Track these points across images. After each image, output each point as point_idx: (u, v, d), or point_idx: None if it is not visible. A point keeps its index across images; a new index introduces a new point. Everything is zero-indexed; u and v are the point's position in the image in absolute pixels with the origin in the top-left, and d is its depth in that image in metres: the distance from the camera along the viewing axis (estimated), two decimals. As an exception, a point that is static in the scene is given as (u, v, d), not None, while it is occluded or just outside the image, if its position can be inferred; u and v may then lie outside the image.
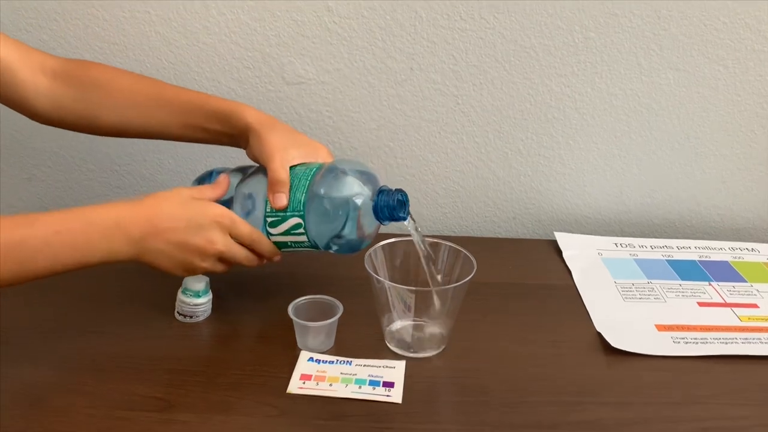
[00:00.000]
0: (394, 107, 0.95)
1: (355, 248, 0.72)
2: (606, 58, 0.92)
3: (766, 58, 0.92)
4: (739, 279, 0.88)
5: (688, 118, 0.96)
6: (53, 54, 0.79)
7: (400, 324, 0.73)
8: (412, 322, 0.72)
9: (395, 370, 0.68)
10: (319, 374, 0.67)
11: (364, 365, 0.69)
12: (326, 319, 0.70)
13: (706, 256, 0.93)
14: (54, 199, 1.01)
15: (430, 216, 1.02)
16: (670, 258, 0.92)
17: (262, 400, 0.64)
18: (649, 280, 0.87)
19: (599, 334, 0.75)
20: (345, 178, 0.70)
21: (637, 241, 0.96)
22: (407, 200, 0.71)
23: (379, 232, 0.73)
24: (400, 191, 0.70)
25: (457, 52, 0.92)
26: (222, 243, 0.68)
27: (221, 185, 0.73)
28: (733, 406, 0.66)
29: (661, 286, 0.85)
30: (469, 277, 0.69)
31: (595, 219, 1.02)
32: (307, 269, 0.84)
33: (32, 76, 0.75)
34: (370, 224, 0.71)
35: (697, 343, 0.74)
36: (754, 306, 0.82)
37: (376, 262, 0.72)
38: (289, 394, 0.65)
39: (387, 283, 0.69)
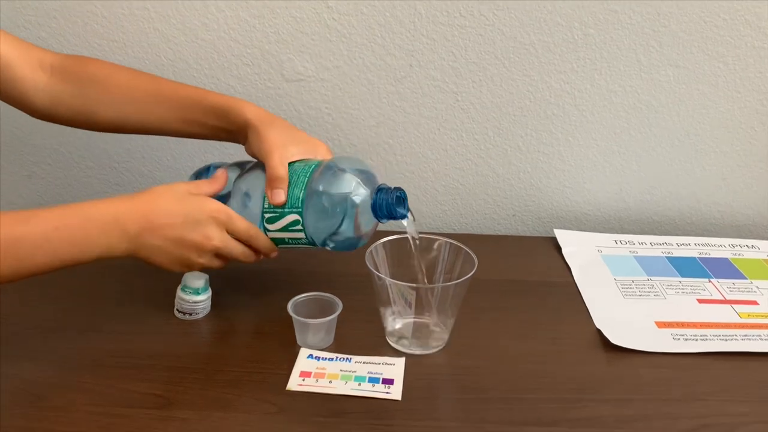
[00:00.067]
0: (394, 104, 0.95)
1: (353, 246, 0.71)
2: (605, 55, 0.92)
3: (766, 54, 0.92)
4: (739, 276, 0.88)
5: (688, 114, 0.96)
6: (52, 51, 0.79)
7: (401, 321, 0.73)
8: (413, 319, 0.72)
9: (395, 367, 0.68)
10: (319, 371, 0.67)
11: (364, 362, 0.69)
12: (326, 316, 0.70)
13: (706, 253, 0.93)
14: (53, 196, 1.01)
15: (429, 213, 1.02)
16: (669, 255, 0.92)
17: (261, 397, 0.64)
18: (648, 277, 0.86)
19: (599, 331, 0.75)
20: (344, 176, 0.69)
21: (636, 238, 0.96)
22: (406, 199, 0.71)
23: (380, 229, 0.73)
24: (398, 190, 0.70)
25: (456, 49, 0.92)
26: (219, 239, 0.68)
27: (219, 180, 0.73)
28: (733, 403, 0.66)
29: (660, 283, 0.85)
30: (470, 274, 0.69)
31: (594, 216, 1.02)
32: (307, 266, 0.84)
33: (31, 73, 0.75)
34: (368, 222, 0.70)
35: (696, 340, 0.74)
36: (754, 303, 0.82)
37: (377, 258, 0.72)
38: (289, 391, 0.65)
39: (388, 279, 0.69)
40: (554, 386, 0.67)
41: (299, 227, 0.70)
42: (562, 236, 0.96)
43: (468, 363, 0.70)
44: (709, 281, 0.86)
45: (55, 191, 1.01)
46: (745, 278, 0.87)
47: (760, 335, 0.75)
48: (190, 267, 0.69)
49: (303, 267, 0.84)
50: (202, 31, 0.92)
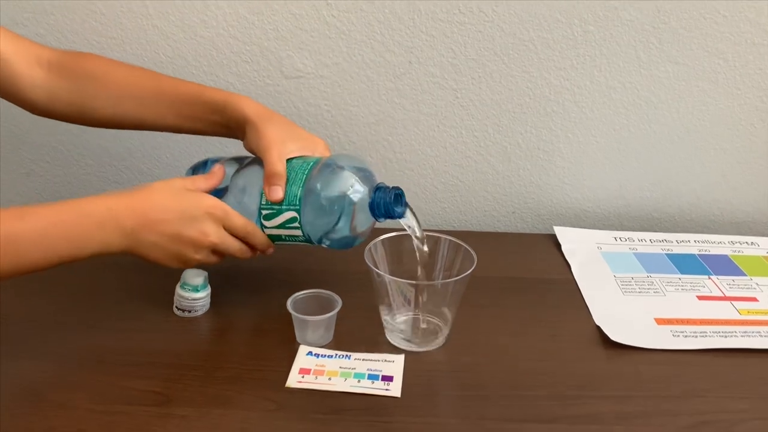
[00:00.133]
0: (393, 101, 0.95)
1: (350, 244, 0.71)
2: (605, 52, 0.92)
3: (766, 51, 0.92)
4: (739, 273, 0.88)
5: (688, 111, 0.95)
6: (49, 47, 0.79)
7: (400, 318, 0.72)
8: (412, 316, 0.72)
9: (394, 364, 0.68)
10: (318, 368, 0.67)
11: (363, 359, 0.69)
12: (325, 313, 0.70)
13: (705, 250, 0.93)
14: (52, 194, 1.01)
15: (429, 210, 1.02)
16: (669, 252, 0.92)
17: (260, 394, 0.64)
18: (648, 274, 0.86)
19: (599, 328, 0.75)
20: (342, 174, 0.69)
21: (636, 235, 0.96)
22: (404, 198, 0.71)
23: (380, 227, 0.73)
24: (396, 189, 0.70)
25: (455, 46, 0.92)
26: (215, 235, 0.68)
27: (216, 175, 0.72)
28: (733, 400, 0.66)
29: (660, 280, 0.85)
30: (469, 271, 0.69)
31: (594, 213, 1.02)
32: (307, 264, 0.84)
33: (28, 69, 0.75)
34: (365, 221, 0.70)
35: (696, 336, 0.74)
36: (754, 300, 0.82)
37: (376, 256, 0.72)
38: (288, 388, 0.65)
39: (387, 277, 0.69)
40: (554, 383, 0.67)
41: (296, 224, 0.70)
42: (562, 233, 0.96)
43: (467, 360, 0.70)
44: (709, 278, 0.86)
45: (53, 189, 1.01)
46: (744, 275, 0.87)
47: (759, 332, 0.75)
48: (187, 263, 0.69)
49: (302, 264, 0.84)
50: (200, 28, 0.91)
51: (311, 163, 0.71)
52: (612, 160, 0.99)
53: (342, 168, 0.70)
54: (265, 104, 0.75)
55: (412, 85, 0.94)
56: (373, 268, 0.69)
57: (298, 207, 0.69)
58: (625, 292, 0.83)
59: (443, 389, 0.67)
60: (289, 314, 0.70)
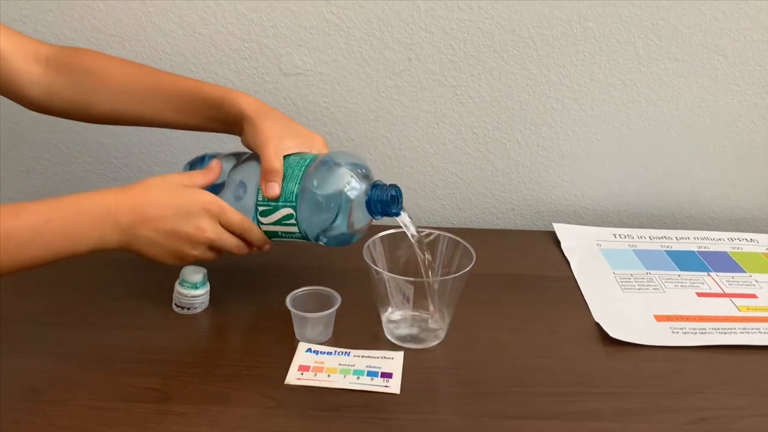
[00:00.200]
0: (392, 98, 0.95)
1: (346, 242, 0.71)
2: (605, 49, 0.92)
3: (766, 48, 0.92)
4: (738, 269, 0.88)
5: (687, 108, 0.95)
6: (47, 43, 0.79)
7: (399, 315, 0.72)
8: (411, 313, 0.72)
9: (393, 361, 0.68)
10: (317, 365, 0.67)
11: (363, 356, 0.69)
12: (324, 311, 0.70)
13: (704, 247, 0.93)
14: (52, 191, 1.01)
15: (428, 207, 1.02)
16: (668, 248, 0.92)
17: (259, 391, 0.64)
18: (647, 271, 0.86)
19: (598, 325, 0.75)
20: (339, 171, 0.69)
21: (635, 232, 0.96)
22: (401, 196, 0.71)
23: (378, 224, 0.73)
24: (394, 187, 0.70)
25: (455, 42, 0.92)
26: (211, 231, 0.68)
27: (213, 171, 0.72)
28: (732, 396, 0.66)
29: (659, 277, 0.85)
30: (468, 268, 0.69)
31: (593, 210, 1.02)
32: (306, 261, 0.84)
33: (25, 65, 0.75)
34: (362, 218, 0.70)
35: (695, 333, 0.74)
36: (753, 296, 0.82)
37: (374, 253, 0.72)
38: (287, 385, 0.65)
39: (386, 274, 0.69)
40: (553, 380, 0.67)
41: (293, 221, 0.70)
42: (561, 230, 0.96)
43: (466, 357, 0.70)
44: (708, 275, 0.86)
45: (53, 187, 1.01)
46: (744, 272, 0.87)
47: (759, 328, 0.75)
48: (183, 259, 0.69)
49: (301, 261, 0.84)
50: (199, 25, 0.91)
51: (308, 160, 0.71)
52: (611, 157, 0.98)
53: (339, 165, 0.70)
54: (264, 101, 0.75)
55: (411, 82, 0.94)
56: (372, 265, 0.69)
57: (294, 204, 0.69)
58: (625, 288, 0.83)
59: (442, 386, 0.67)
60: (288, 311, 0.70)
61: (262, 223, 0.71)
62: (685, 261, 0.89)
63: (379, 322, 0.73)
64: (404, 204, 0.72)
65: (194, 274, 0.74)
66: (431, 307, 0.71)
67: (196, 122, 0.76)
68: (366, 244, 0.71)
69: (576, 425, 0.61)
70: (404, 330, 0.72)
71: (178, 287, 0.75)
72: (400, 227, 0.73)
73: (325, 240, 0.71)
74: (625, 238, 0.95)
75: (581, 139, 0.97)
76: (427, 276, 0.72)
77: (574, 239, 0.93)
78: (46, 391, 0.63)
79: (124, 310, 0.75)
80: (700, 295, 0.82)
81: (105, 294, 0.78)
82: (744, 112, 0.96)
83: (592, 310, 0.78)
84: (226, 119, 0.74)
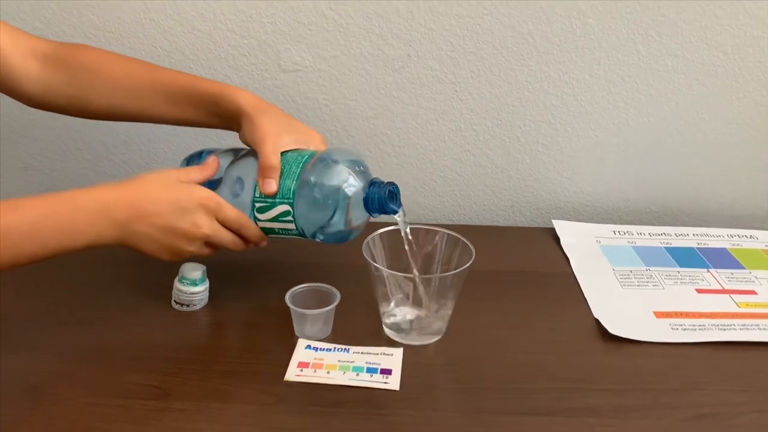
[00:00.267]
0: (392, 95, 0.95)
1: (343, 239, 0.71)
2: (604, 45, 0.92)
3: (766, 44, 0.92)
4: (738, 266, 0.88)
5: (687, 105, 0.95)
6: (45, 39, 0.79)
7: (398, 311, 0.72)
8: (410, 310, 0.72)
9: (393, 358, 0.68)
10: (317, 362, 0.67)
11: (362, 353, 0.69)
12: (324, 307, 0.70)
13: (704, 243, 0.93)
14: (51, 188, 1.00)
15: (427, 204, 1.02)
16: (668, 245, 0.92)
17: (259, 388, 0.64)
18: (647, 267, 0.86)
19: (597, 321, 0.75)
20: (337, 168, 0.69)
21: (635, 229, 0.96)
22: (398, 193, 0.70)
23: (378, 220, 0.73)
24: (391, 184, 0.70)
25: (454, 39, 0.92)
26: (208, 227, 0.67)
27: (209, 167, 0.72)
28: (732, 392, 0.66)
29: (659, 273, 0.85)
30: (468, 264, 0.69)
31: (593, 207, 1.02)
32: (305, 257, 0.84)
33: (23, 61, 0.75)
34: (359, 216, 0.70)
35: (695, 329, 0.74)
36: (753, 293, 0.82)
37: (374, 250, 0.72)
38: (287, 381, 0.65)
39: (385, 271, 0.69)
40: (552, 376, 0.67)
41: (290, 218, 0.70)
42: (561, 227, 0.96)
43: (466, 353, 0.70)
44: (708, 271, 0.86)
45: (51, 184, 1.01)
46: (743, 268, 0.87)
47: (758, 325, 0.75)
48: (180, 255, 0.68)
49: (301, 258, 0.83)
50: (198, 22, 0.91)
51: (306, 157, 0.71)
52: (611, 154, 0.98)
53: (337, 162, 0.69)
54: (263, 98, 0.75)
55: (410, 79, 0.94)
56: (372, 262, 0.69)
57: (291, 200, 0.69)
58: (624, 285, 0.83)
59: (441, 382, 0.67)
60: (288, 308, 0.70)
61: (259, 220, 0.71)
62: (685, 257, 0.89)
63: (379, 318, 0.73)
64: (403, 203, 0.71)
65: (193, 271, 0.74)
66: (431, 304, 0.71)
67: (194, 118, 0.76)
68: (365, 241, 0.71)
69: (575, 421, 0.61)
70: (404, 326, 0.72)
71: (177, 284, 0.75)
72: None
73: (322, 237, 0.71)
74: (624, 235, 0.95)
75: (581, 136, 0.97)
76: (417, 270, 0.71)
77: (573, 236, 0.93)
78: (46, 389, 0.63)
79: (124, 308, 0.75)
80: (699, 291, 0.82)
81: (104, 291, 0.78)
82: (744, 108, 0.95)
83: (591, 307, 0.78)
84: (224, 115, 0.74)
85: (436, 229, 0.74)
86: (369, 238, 0.72)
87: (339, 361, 0.67)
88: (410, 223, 0.72)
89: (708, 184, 1.00)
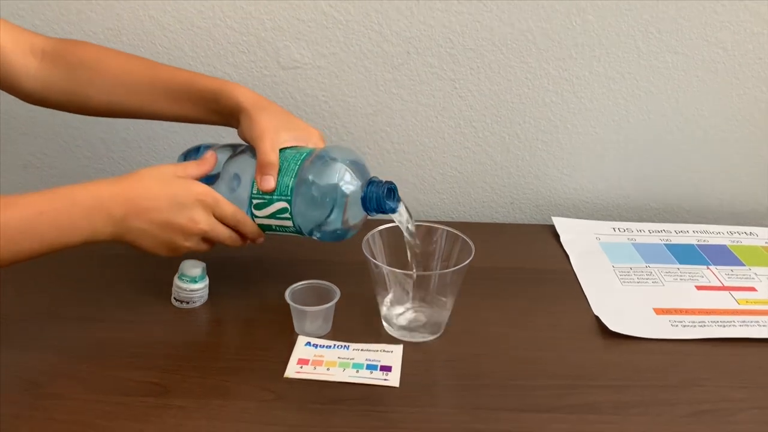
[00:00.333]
0: (391, 92, 0.95)
1: (340, 237, 0.71)
2: (604, 42, 0.92)
3: (766, 40, 0.92)
4: (737, 262, 0.88)
5: (687, 101, 0.95)
6: (44, 35, 0.79)
7: (398, 308, 0.72)
8: (410, 307, 0.72)
9: (393, 354, 0.68)
10: (317, 359, 0.67)
11: (362, 349, 0.69)
12: (323, 304, 0.70)
13: (704, 240, 0.93)
14: (49, 186, 0.98)
15: (427, 201, 1.02)
16: (668, 242, 0.92)
17: (259, 384, 0.64)
18: (647, 264, 0.86)
19: (597, 318, 0.75)
20: (335, 166, 0.69)
21: (635, 226, 0.96)
22: (396, 192, 0.70)
23: (378, 217, 0.73)
24: (389, 183, 0.70)
25: (454, 36, 0.91)
26: (205, 222, 0.67)
27: (207, 162, 0.72)
28: (731, 389, 0.66)
29: (659, 270, 0.85)
30: (467, 261, 0.68)
31: (593, 204, 1.02)
32: (305, 254, 0.84)
33: (22, 58, 0.75)
34: (356, 215, 0.70)
35: (695, 326, 0.74)
36: (752, 289, 0.82)
37: (374, 246, 0.71)
38: (287, 378, 0.65)
39: (385, 267, 0.69)
40: (552, 373, 0.67)
41: (287, 215, 0.70)
42: (560, 224, 0.96)
43: (465, 350, 0.70)
44: (708, 268, 0.86)
45: (50, 181, 1.01)
46: (743, 265, 0.87)
47: (758, 321, 0.75)
48: (177, 251, 0.68)
49: (300, 255, 0.83)
50: (197, 19, 0.91)
51: (304, 154, 0.70)
52: (610, 151, 0.98)
53: (335, 160, 0.69)
54: (263, 95, 0.75)
55: (410, 76, 0.94)
56: (371, 259, 0.69)
57: (289, 198, 0.69)
58: (624, 282, 0.83)
59: (441, 379, 0.67)
60: (288, 305, 0.70)
61: (257, 216, 0.71)
62: (685, 254, 0.89)
63: (379, 315, 0.73)
64: (403, 198, 0.71)
65: (193, 268, 0.74)
66: (430, 301, 0.71)
67: (193, 114, 0.76)
68: (365, 238, 0.71)
69: (574, 418, 0.61)
70: (403, 323, 0.72)
71: (177, 281, 0.75)
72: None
73: (318, 235, 0.70)
74: (624, 232, 0.95)
75: (580, 133, 0.97)
76: (417, 268, 0.71)
77: (573, 233, 0.93)
78: (46, 386, 0.63)
79: (123, 305, 0.75)
80: (699, 288, 0.82)
81: (104, 289, 0.78)
82: (744, 105, 0.95)
83: (591, 304, 0.78)
84: (223, 111, 0.74)
85: (435, 226, 0.74)
86: (369, 235, 0.71)
87: (339, 358, 0.67)
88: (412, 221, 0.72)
89: (708, 181, 1.00)
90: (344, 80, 0.94)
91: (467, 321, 0.74)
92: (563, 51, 0.92)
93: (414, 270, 0.71)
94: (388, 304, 0.72)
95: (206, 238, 0.69)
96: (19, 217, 0.61)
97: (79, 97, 0.77)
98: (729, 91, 0.95)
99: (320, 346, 0.69)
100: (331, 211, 0.68)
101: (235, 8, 0.90)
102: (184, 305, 0.75)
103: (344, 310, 0.72)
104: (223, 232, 0.69)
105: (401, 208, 0.71)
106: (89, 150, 0.99)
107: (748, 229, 0.96)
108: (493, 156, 0.99)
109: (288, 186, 0.69)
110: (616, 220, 1.00)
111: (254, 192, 0.70)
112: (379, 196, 0.69)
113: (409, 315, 0.72)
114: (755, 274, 0.85)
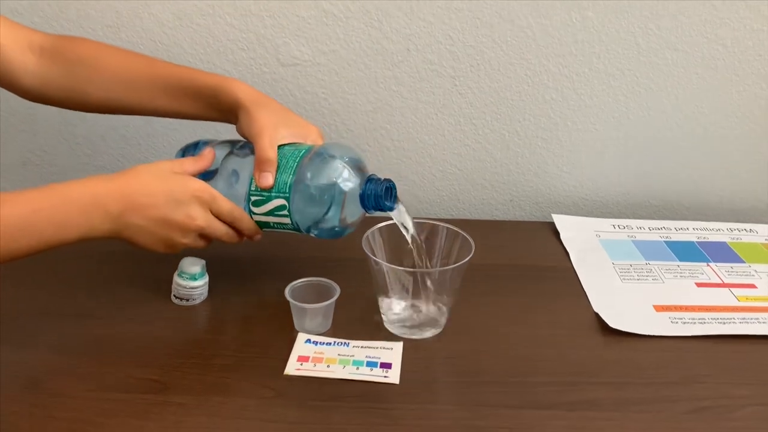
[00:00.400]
0: (391, 89, 0.95)
1: (338, 235, 0.71)
2: (604, 39, 0.92)
3: (766, 37, 0.92)
4: (737, 260, 0.88)
5: (687, 98, 0.95)
6: (42, 32, 0.78)
7: (398, 305, 0.72)
8: (410, 304, 0.72)
9: (393, 352, 0.68)
10: (317, 356, 0.67)
11: (362, 347, 0.69)
12: (323, 301, 0.70)
13: (704, 237, 0.93)
14: (48, 183, 1.00)
15: (427, 199, 1.01)
16: (668, 239, 0.92)
17: (259, 381, 0.64)
18: (647, 261, 0.86)
19: (597, 315, 0.75)
20: (334, 163, 0.69)
21: (634, 223, 0.96)
22: (395, 190, 0.70)
23: (377, 215, 0.73)
24: (388, 181, 0.70)
25: (454, 33, 0.91)
26: (202, 218, 0.67)
27: (204, 158, 0.72)
28: (732, 386, 0.66)
29: (659, 267, 0.85)
30: (467, 258, 0.68)
31: (592, 201, 1.02)
32: (305, 251, 0.84)
33: (21, 54, 0.74)
34: (355, 212, 0.70)
35: (695, 323, 0.74)
36: (752, 286, 0.82)
37: (373, 244, 0.71)
38: (287, 375, 0.65)
39: (385, 265, 0.69)
40: (552, 370, 0.67)
41: (285, 212, 0.69)
42: (560, 221, 0.96)
43: (465, 347, 0.70)
44: (707, 265, 0.86)
45: (50, 179, 1.00)
46: (743, 262, 0.87)
47: (758, 318, 0.75)
48: (174, 247, 0.68)
49: (300, 252, 0.83)
50: (197, 16, 0.91)
51: (303, 151, 0.70)
52: (610, 148, 0.98)
53: (334, 157, 0.69)
54: (262, 92, 0.75)
55: (410, 73, 0.94)
56: (371, 256, 0.69)
57: (287, 195, 0.69)
58: (624, 279, 0.83)
59: (441, 376, 0.67)
60: (288, 302, 0.70)
61: (254, 213, 0.71)
62: (684, 251, 0.89)
63: (379, 312, 0.73)
64: (402, 197, 0.71)
65: (193, 266, 0.74)
66: (430, 298, 0.71)
67: (192, 111, 0.75)
68: (365, 235, 0.71)
69: (575, 415, 0.61)
70: (403, 320, 0.72)
71: (176, 278, 0.75)
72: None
73: (316, 232, 0.70)
74: (624, 229, 0.95)
75: (580, 130, 0.97)
76: (422, 264, 0.71)
77: (573, 230, 0.93)
78: (46, 383, 0.63)
79: (123, 302, 0.75)
80: (699, 285, 0.82)
81: (104, 286, 0.78)
82: (743, 102, 0.95)
83: (591, 301, 0.78)
84: (222, 107, 0.73)
85: (435, 223, 0.74)
86: (368, 232, 0.71)
87: (339, 355, 0.67)
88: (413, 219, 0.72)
89: (708, 178, 1.00)
90: (344, 77, 0.94)
91: (467, 318, 0.74)
92: (563, 48, 0.92)
93: (425, 266, 0.71)
94: (388, 301, 0.72)
95: (203, 235, 0.69)
96: (15, 214, 0.61)
97: (78, 93, 0.76)
98: (729, 88, 0.94)
99: (320, 343, 0.69)
100: (329, 209, 0.68)
101: (235, 5, 0.90)
102: (184, 302, 0.75)
103: (344, 307, 0.72)
104: (219, 229, 0.69)
105: (401, 207, 0.71)
106: (89, 147, 0.99)
107: (748, 226, 0.96)
108: (492, 153, 0.99)
109: (286, 183, 0.69)
110: (616, 217, 1.00)
111: (252, 189, 0.70)
112: (378, 194, 0.68)
113: (409, 312, 0.72)
114: (755, 271, 0.85)
